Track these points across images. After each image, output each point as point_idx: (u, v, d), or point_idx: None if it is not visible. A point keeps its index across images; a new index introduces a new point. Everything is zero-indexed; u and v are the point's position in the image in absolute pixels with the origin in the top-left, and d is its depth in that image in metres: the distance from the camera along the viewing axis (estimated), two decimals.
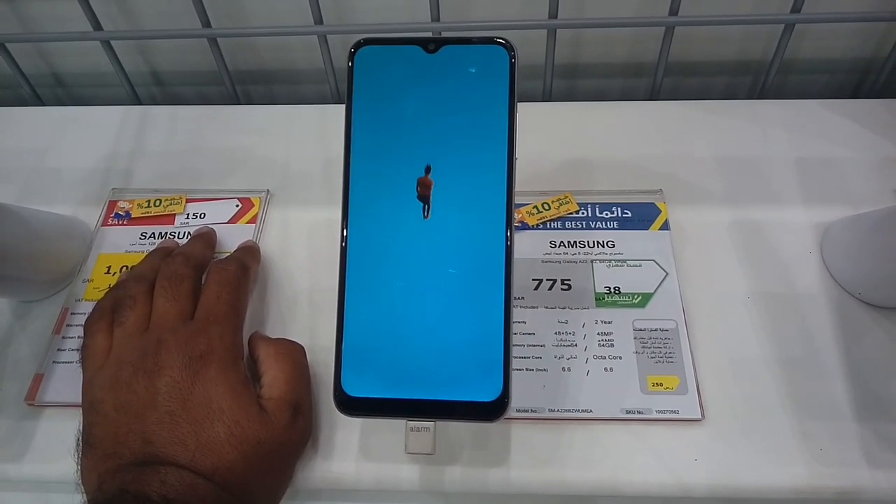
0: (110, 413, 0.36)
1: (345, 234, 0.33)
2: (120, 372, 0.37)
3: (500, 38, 0.34)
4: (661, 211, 0.48)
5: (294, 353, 0.40)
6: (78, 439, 0.37)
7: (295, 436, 0.37)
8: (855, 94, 0.61)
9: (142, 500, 0.33)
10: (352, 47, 0.34)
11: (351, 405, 0.32)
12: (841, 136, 0.52)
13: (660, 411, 0.39)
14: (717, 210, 0.49)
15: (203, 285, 0.41)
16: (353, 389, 0.32)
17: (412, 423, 0.33)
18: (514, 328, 0.43)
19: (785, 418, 0.39)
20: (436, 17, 0.54)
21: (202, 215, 0.50)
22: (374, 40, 0.35)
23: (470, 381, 0.32)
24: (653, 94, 0.59)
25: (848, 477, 0.37)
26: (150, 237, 0.49)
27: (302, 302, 0.46)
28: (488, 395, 0.32)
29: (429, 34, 0.55)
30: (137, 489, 0.33)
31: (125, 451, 0.35)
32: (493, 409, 0.32)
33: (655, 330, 0.42)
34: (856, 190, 0.49)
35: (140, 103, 0.63)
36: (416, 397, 0.32)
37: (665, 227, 0.47)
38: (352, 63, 0.34)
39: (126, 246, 0.49)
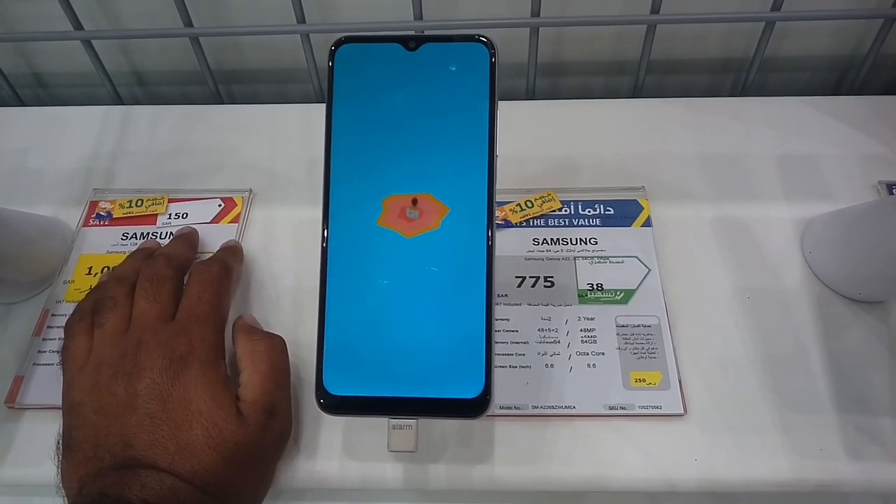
0: (90, 416, 0.36)
1: (325, 234, 0.33)
2: (100, 374, 0.37)
3: (480, 36, 0.34)
4: (643, 208, 0.48)
5: (273, 353, 0.39)
6: (58, 442, 0.37)
7: (270, 438, 0.37)
8: (836, 91, 0.62)
9: (121, 502, 0.32)
10: (332, 45, 0.34)
11: (333, 404, 0.32)
12: (822, 133, 0.53)
13: (643, 407, 0.39)
14: (700, 206, 0.49)
15: (185, 286, 0.41)
16: (336, 388, 0.32)
17: (394, 421, 0.33)
18: (498, 325, 0.43)
19: (766, 412, 0.39)
20: (418, 16, 0.53)
21: (184, 215, 0.50)
22: (354, 38, 0.34)
23: (452, 378, 0.32)
24: (635, 92, 0.59)
25: (829, 469, 0.38)
26: (131, 237, 0.49)
27: (285, 301, 0.46)
28: (470, 391, 0.32)
29: (411, 32, 0.55)
30: (118, 493, 0.33)
31: (105, 455, 0.35)
32: (475, 406, 0.32)
33: (638, 326, 0.42)
34: (836, 186, 0.49)
35: (122, 103, 0.62)
36: (397, 395, 0.32)
37: (647, 223, 0.47)
38: (332, 61, 0.34)
39: (107, 246, 0.49)
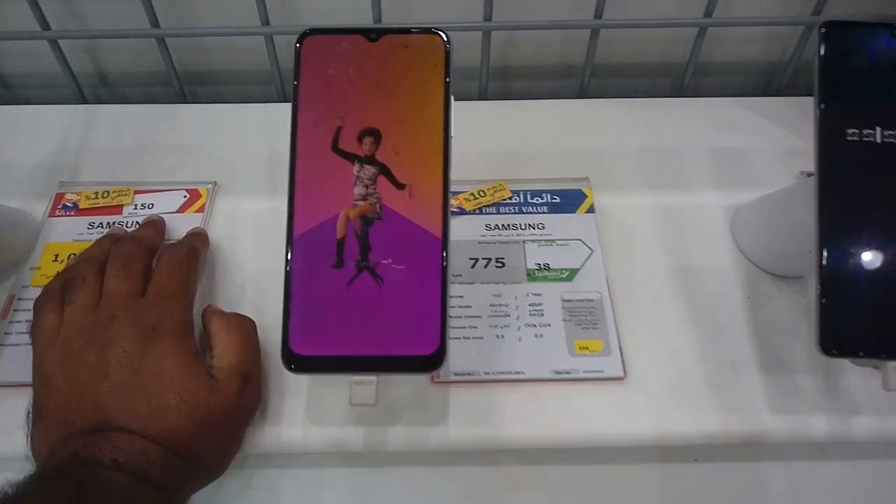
0: (61, 385, 0.37)
1: (293, 197, 0.36)
2: (71, 347, 0.38)
3: (436, 28, 0.37)
4: (587, 196, 0.52)
5: (245, 327, 0.41)
6: (28, 413, 0.38)
7: (244, 404, 0.39)
8: (764, 93, 0.67)
9: (93, 464, 0.34)
10: (297, 39, 0.37)
11: (298, 363, 0.35)
12: (750, 130, 0.57)
13: (586, 371, 0.43)
14: (639, 195, 0.53)
15: (154, 267, 0.43)
16: (301, 348, 0.35)
17: (356, 378, 0.35)
18: (452, 302, 0.45)
19: (698, 375, 0.43)
20: (377, 19, 0.57)
21: (150, 206, 0.52)
22: (319, 30, 0.37)
23: (410, 337, 0.35)
24: (581, 95, 0.63)
25: (754, 423, 0.41)
26: (97, 227, 0.50)
27: (249, 285, 0.48)
28: (426, 349, 0.34)
29: None
30: (88, 454, 0.34)
31: (77, 420, 0.36)
32: (431, 362, 0.34)
33: (582, 300, 0.46)
34: (762, 177, 0.54)
35: (87, 103, 0.64)
36: (359, 354, 0.35)
37: (591, 210, 0.51)
38: (299, 53, 0.37)
39: (73, 235, 0.50)
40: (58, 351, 0.38)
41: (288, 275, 0.35)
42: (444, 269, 0.35)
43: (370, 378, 0.35)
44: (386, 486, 0.44)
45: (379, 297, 0.35)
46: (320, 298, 0.35)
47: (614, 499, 0.44)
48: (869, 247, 0.36)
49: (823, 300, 0.35)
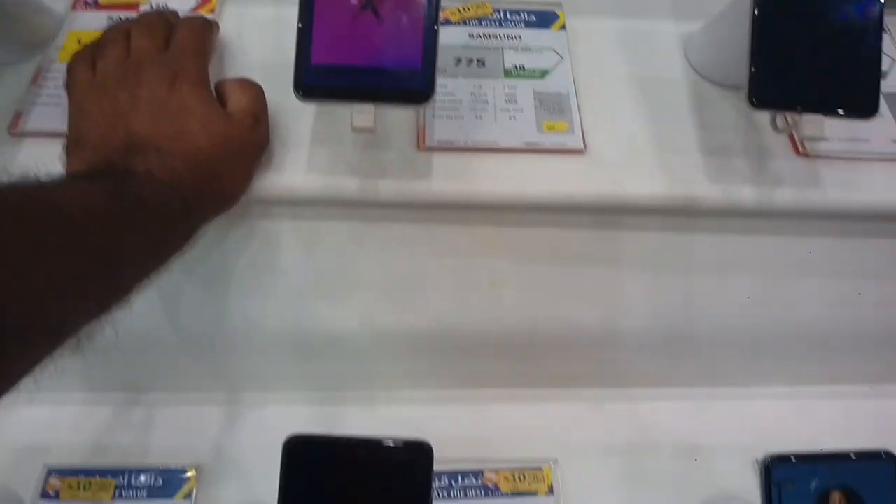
0: (98, 117, 0.43)
1: None
2: (105, 88, 0.43)
3: None
4: (559, 17, 0.58)
5: (254, 83, 0.47)
6: (65, 144, 0.44)
7: (255, 138, 0.45)
8: None
9: (128, 171, 0.40)
10: None
11: (309, 91, 0.41)
12: None
13: (552, 143, 0.49)
14: (605, 21, 0.58)
15: (174, 34, 0.48)
16: (311, 80, 0.41)
17: (357, 106, 0.41)
18: (438, 91, 0.51)
19: (648, 152, 0.50)
20: None
21: (165, 6, 0.56)
22: None
23: (405, 75, 0.41)
24: None
25: (693, 189, 0.48)
26: (116, 20, 0.55)
27: (255, 73, 0.53)
28: (418, 86, 0.41)
29: None
30: (123, 164, 0.40)
31: (112, 141, 0.41)
32: (421, 95, 0.41)
33: (551, 93, 0.52)
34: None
35: None
36: (362, 84, 0.41)
37: (563, 28, 0.57)
38: None
39: (95, 25, 0.54)
40: (93, 93, 0.44)
41: (303, 10, 0.41)
42: (436, 28, 0.41)
43: (368, 106, 0.41)
44: (374, 238, 0.50)
45: (378, 31, 0.41)
46: (330, 29, 0.41)
47: (570, 258, 0.51)
48: (789, 24, 0.43)
49: (753, 61, 0.42)
